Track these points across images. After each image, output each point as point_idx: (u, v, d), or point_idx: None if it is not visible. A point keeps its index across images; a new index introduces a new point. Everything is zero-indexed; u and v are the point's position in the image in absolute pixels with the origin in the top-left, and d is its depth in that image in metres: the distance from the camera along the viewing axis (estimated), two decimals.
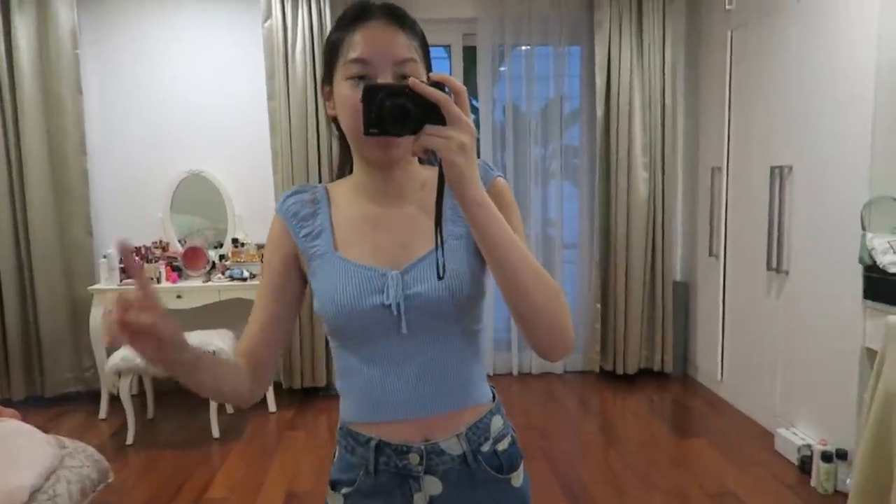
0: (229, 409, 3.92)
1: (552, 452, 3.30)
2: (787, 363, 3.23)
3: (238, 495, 2.92)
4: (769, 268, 3.27)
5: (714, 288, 3.94)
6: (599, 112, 4.14)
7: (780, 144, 3.21)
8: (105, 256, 3.83)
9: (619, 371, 4.31)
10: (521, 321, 0.91)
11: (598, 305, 4.32)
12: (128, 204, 4.12)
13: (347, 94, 0.93)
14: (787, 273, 3.19)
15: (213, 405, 3.56)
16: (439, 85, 0.82)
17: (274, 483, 3.03)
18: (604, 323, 4.35)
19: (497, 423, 1.04)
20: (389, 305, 0.95)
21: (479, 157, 0.90)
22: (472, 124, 0.82)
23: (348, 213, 1.02)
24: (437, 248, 0.92)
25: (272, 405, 3.94)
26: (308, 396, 4.16)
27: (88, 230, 4.00)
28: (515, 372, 4.52)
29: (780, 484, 2.90)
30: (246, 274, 3.86)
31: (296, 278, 1.04)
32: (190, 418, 3.83)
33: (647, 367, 4.35)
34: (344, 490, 1.02)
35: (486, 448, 1.01)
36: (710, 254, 3.98)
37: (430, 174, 1.01)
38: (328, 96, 1.00)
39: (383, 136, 0.84)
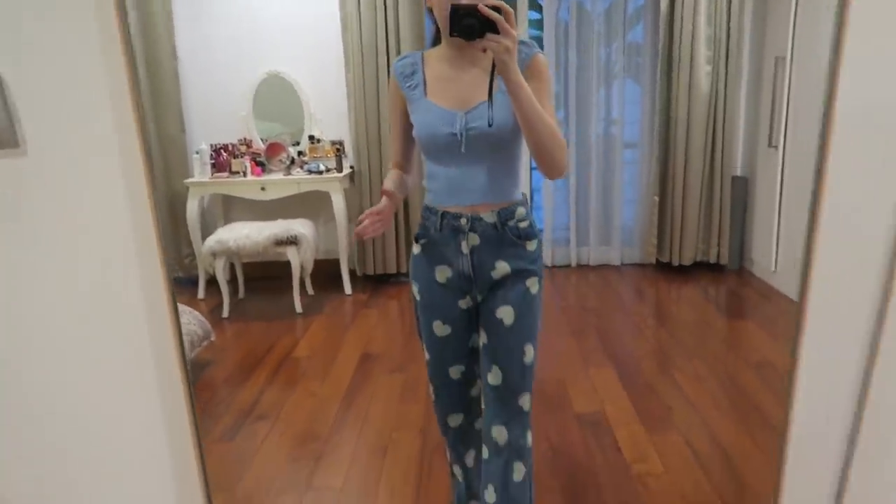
0: (310, 291, 4.34)
1: (603, 328, 3.55)
2: None
3: (320, 355, 3.34)
4: None
5: (772, 180, 3.99)
6: (664, 6, 4.14)
7: None
8: (197, 152, 4.22)
9: (676, 263, 4.47)
10: (534, 152, 1.40)
11: (656, 198, 4.44)
12: (214, 104, 4.46)
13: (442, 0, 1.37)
14: None
15: (297, 285, 3.97)
16: (496, 8, 1.26)
17: (351, 347, 3.43)
18: (661, 215, 4.49)
19: (521, 211, 1.54)
20: (455, 134, 1.45)
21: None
22: (515, 34, 1.27)
23: (436, 73, 1.51)
24: (489, 109, 1.42)
25: (348, 289, 4.33)
26: (380, 283, 4.53)
27: (182, 128, 4.39)
28: (574, 264, 4.75)
29: None
30: (322, 168, 4.18)
31: (408, 118, 1.56)
32: (276, 297, 4.28)
33: (703, 260, 4.49)
34: (422, 241, 1.59)
35: (511, 223, 1.53)
36: (770, 145, 4.02)
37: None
38: None
39: (459, 38, 1.29)
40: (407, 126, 1.58)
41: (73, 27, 0.96)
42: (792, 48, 3.71)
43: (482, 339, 1.57)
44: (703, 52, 4.14)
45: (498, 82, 1.40)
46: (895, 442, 1.15)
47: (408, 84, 1.53)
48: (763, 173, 4.20)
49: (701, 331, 3.49)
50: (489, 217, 1.50)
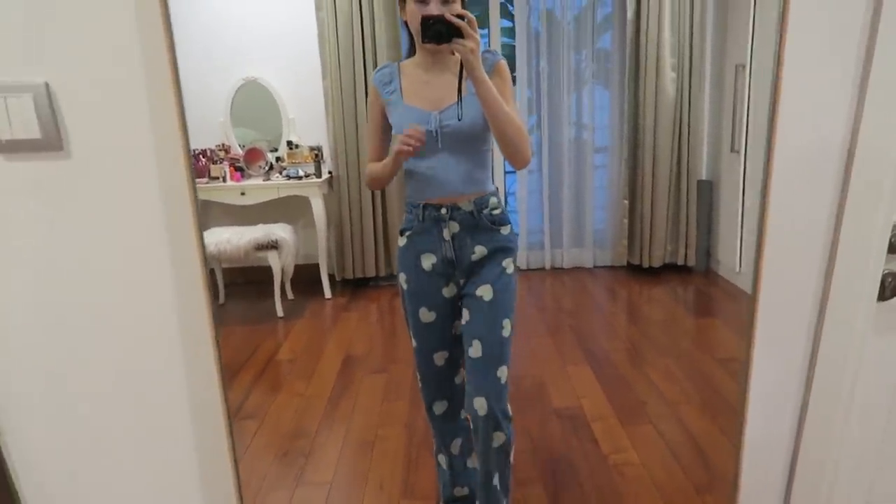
0: (290, 295, 4.39)
1: (578, 328, 3.68)
2: None
3: (303, 358, 3.40)
4: None
5: (735, 183, 4.17)
6: (630, 14, 4.30)
7: None
8: None
9: (646, 265, 4.63)
10: (500, 141, 1.58)
11: (626, 201, 4.60)
12: (192, 110, 4.49)
13: (415, 11, 1.56)
14: None
15: (278, 290, 4.03)
16: (461, 16, 1.46)
17: (333, 349, 3.50)
18: (631, 219, 4.64)
19: (493, 201, 1.73)
20: (431, 131, 1.62)
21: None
22: (478, 39, 1.46)
23: (412, 78, 1.69)
24: (458, 105, 1.61)
25: (328, 292, 4.40)
26: (359, 286, 4.60)
27: None
28: (548, 266, 4.88)
29: None
30: (301, 173, 4.25)
31: (386, 120, 1.74)
32: (257, 302, 4.33)
33: (671, 262, 4.66)
34: (407, 233, 1.75)
35: (486, 211, 1.71)
36: (732, 150, 4.20)
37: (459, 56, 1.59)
38: (402, 7, 1.64)
39: (432, 44, 1.49)
40: (385, 125, 1.75)
41: (116, 31, 1.04)
42: (751, 56, 3.90)
43: (464, 319, 1.72)
44: (668, 60, 4.31)
45: (467, 84, 1.59)
46: (836, 423, 1.28)
47: (386, 90, 1.70)
48: (727, 177, 4.39)
49: (671, 329, 3.64)
50: (466, 206, 1.68)
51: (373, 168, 1.76)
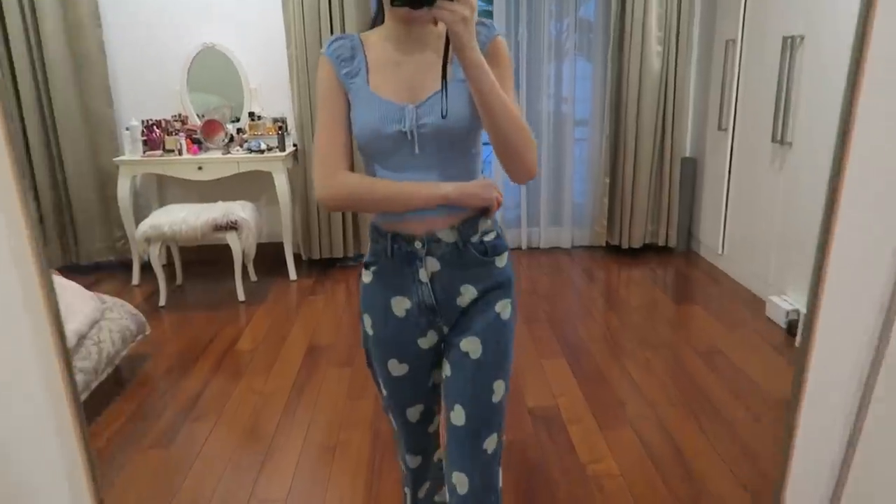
0: (253, 277, 4.16)
1: (555, 315, 3.52)
2: (783, 234, 3.35)
3: (264, 347, 3.20)
4: (774, 140, 3.33)
5: (721, 162, 4.01)
6: None
7: (794, 14, 3.18)
8: (127, 128, 3.95)
9: (625, 245, 4.47)
10: (498, 149, 1.21)
11: (607, 180, 4.41)
12: (146, 77, 4.18)
13: None
14: (790, 145, 3.25)
15: (238, 272, 3.79)
16: None
17: (296, 338, 3.30)
18: (611, 198, 4.46)
19: (486, 223, 1.31)
20: (405, 132, 1.21)
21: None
22: (474, 2, 1.07)
23: (379, 57, 1.26)
24: (442, 96, 1.19)
25: (293, 274, 4.18)
26: (326, 267, 4.38)
27: (109, 102, 4.10)
28: (524, 246, 4.70)
29: (766, 344, 3.10)
30: (263, 146, 3.98)
31: (348, 104, 1.28)
32: (217, 283, 4.10)
33: (651, 242, 4.50)
34: (372, 269, 1.35)
35: (475, 238, 1.30)
36: (720, 128, 4.02)
37: (444, 27, 1.17)
38: None
39: (404, 6, 1.08)
40: (349, 116, 1.28)
41: None
42: (742, 31, 3.69)
43: (445, 371, 1.36)
44: (654, 33, 4.08)
45: (454, 68, 1.20)
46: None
47: (345, 70, 1.25)
48: (712, 156, 4.21)
49: (651, 316, 3.49)
50: (448, 236, 1.27)
51: (359, 185, 1.24)
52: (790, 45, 3.18)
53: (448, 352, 1.35)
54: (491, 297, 1.32)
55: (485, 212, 1.29)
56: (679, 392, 2.69)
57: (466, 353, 1.30)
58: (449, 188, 1.23)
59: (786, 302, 3.25)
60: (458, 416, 1.30)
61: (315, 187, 1.27)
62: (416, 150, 1.22)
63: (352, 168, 1.29)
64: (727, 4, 3.91)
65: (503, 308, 1.33)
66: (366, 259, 1.37)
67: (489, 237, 1.31)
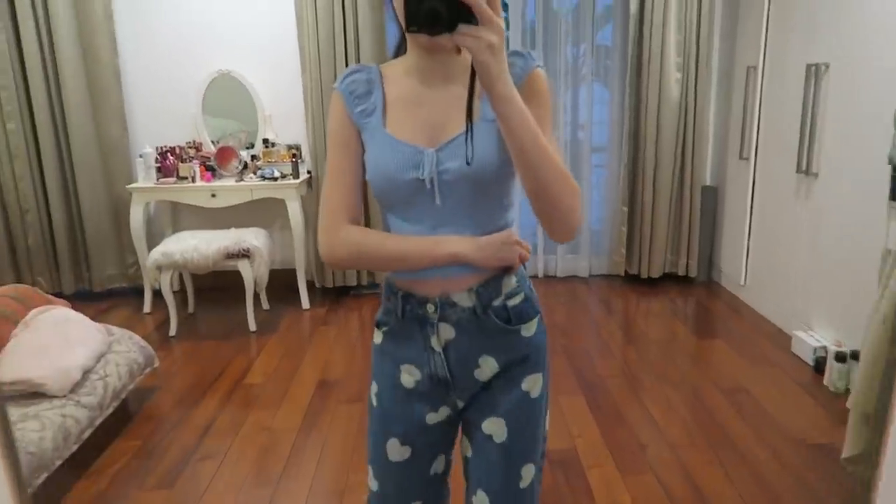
0: (265, 305, 4.11)
1: (572, 349, 3.42)
2: (809, 267, 3.24)
3: (274, 382, 3.13)
4: (799, 170, 3.23)
5: (742, 192, 3.91)
6: (633, 8, 4.00)
7: (818, 41, 3.09)
8: (141, 156, 3.94)
9: (644, 275, 4.37)
10: (535, 200, 1.01)
11: (625, 209, 4.32)
12: (160, 104, 4.18)
13: None
14: (816, 175, 3.15)
15: (250, 301, 3.74)
16: None
17: (307, 371, 3.23)
18: (630, 226, 4.37)
19: (510, 282, 1.13)
20: (423, 180, 1.05)
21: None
22: (502, 25, 0.90)
23: (399, 92, 1.10)
24: (466, 138, 1.01)
25: (305, 302, 4.12)
26: (339, 295, 4.32)
27: (124, 128, 4.10)
28: (541, 274, 4.61)
29: (793, 382, 2.98)
30: (277, 174, 3.94)
31: (363, 148, 1.13)
32: (228, 313, 4.04)
33: (671, 272, 4.39)
34: (384, 329, 1.20)
35: (497, 303, 1.12)
36: (741, 157, 3.92)
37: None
38: None
39: (421, 33, 0.92)
40: (362, 158, 1.13)
41: None
42: (764, 58, 3.61)
43: (465, 450, 1.21)
44: (672, 59, 4.01)
45: (482, 105, 1.04)
46: None
47: (360, 108, 1.10)
48: (733, 184, 4.12)
49: (670, 350, 3.38)
50: (465, 300, 1.10)
51: (362, 243, 1.10)
52: (814, 72, 3.09)
53: (469, 430, 1.20)
54: (516, 371, 1.15)
55: (507, 269, 1.13)
56: (701, 432, 2.58)
57: (490, 437, 1.15)
58: (460, 245, 1.06)
59: (812, 338, 3.13)
60: (482, 502, 1.16)
61: (317, 243, 1.16)
62: (438, 201, 1.06)
63: (361, 218, 1.15)
64: (748, 31, 3.84)
65: (532, 385, 1.16)
66: (377, 317, 1.22)
67: (514, 301, 1.13)
